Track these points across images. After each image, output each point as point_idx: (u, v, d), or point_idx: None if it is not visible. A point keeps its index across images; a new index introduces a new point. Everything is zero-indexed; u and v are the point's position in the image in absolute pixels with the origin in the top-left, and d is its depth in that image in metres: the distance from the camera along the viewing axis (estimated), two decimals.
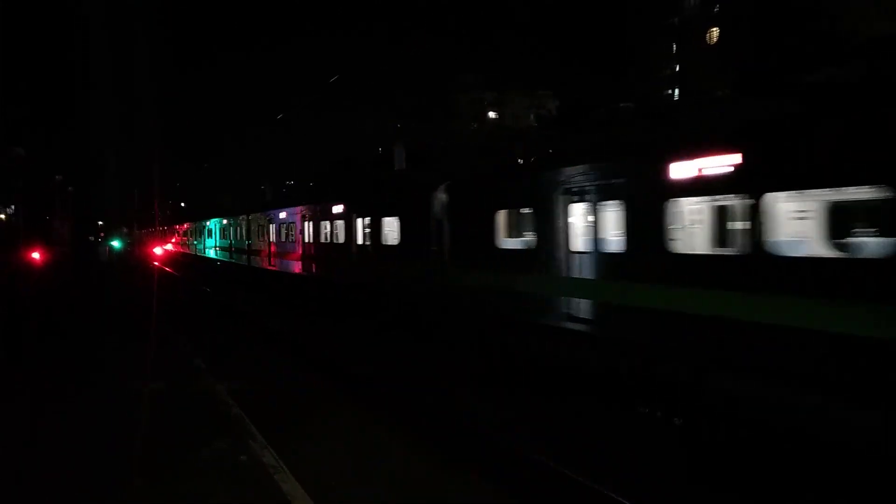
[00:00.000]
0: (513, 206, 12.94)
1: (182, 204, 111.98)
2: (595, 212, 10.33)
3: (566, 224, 10.98)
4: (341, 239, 21.23)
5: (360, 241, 19.53)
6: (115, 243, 61.67)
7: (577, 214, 10.89)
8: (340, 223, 21.36)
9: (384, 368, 13.25)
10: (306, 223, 24.67)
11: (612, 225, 10.42)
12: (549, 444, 8.37)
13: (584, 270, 10.55)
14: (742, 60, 39.42)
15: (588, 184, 10.48)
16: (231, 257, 38.63)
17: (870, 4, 28.79)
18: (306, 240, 24.53)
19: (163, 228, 76.17)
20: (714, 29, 60.96)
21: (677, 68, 65.78)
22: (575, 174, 10.81)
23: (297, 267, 25.92)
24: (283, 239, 27.86)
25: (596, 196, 10.31)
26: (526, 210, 12.45)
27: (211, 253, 45.86)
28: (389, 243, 17.84)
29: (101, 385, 11.15)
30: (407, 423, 9.56)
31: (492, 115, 74.04)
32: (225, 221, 41.62)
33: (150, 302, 21.69)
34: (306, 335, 17.48)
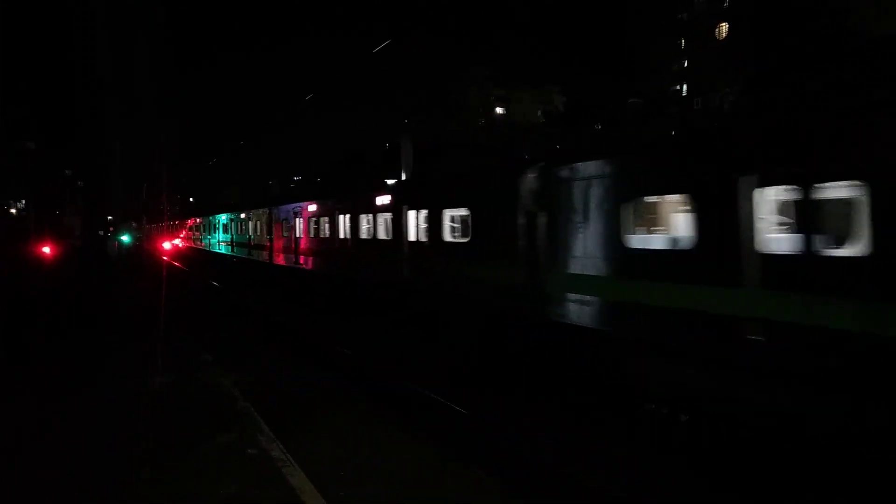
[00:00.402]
0: (653, 192, 9.93)
1: (190, 199, 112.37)
2: (806, 198, 7.25)
3: (750, 216, 7.86)
4: (385, 234, 18.61)
5: (412, 236, 16.87)
6: (124, 238, 62.04)
7: (769, 202, 7.91)
8: (386, 217, 18.72)
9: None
10: (340, 217, 22.10)
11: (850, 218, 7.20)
12: None
13: (788, 280, 7.36)
14: (751, 57, 39.26)
15: (793, 160, 7.41)
16: (250, 253, 36.34)
17: (870, 4, 28.68)
18: (342, 235, 21.82)
19: (171, 223, 76.49)
20: (723, 24, 60.68)
21: (686, 64, 65.51)
22: (772, 145, 7.77)
23: (325, 265, 23.60)
24: (312, 234, 25.37)
25: (809, 176, 7.19)
26: (674, 197, 9.65)
27: (223, 248, 44.82)
28: (454, 240, 15.06)
29: (110, 378, 11.27)
30: (419, 422, 9.62)
31: (499, 110, 74.02)
32: (242, 215, 39.24)
33: (159, 297, 21.82)
34: (330, 338, 16.59)
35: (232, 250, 42.12)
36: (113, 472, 7.11)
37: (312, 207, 25.35)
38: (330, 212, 23.38)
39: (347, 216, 21.65)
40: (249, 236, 37.10)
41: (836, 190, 7.26)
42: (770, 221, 8.02)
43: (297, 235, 27.17)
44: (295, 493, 6.57)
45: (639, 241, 9.95)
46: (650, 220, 10.62)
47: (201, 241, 55.34)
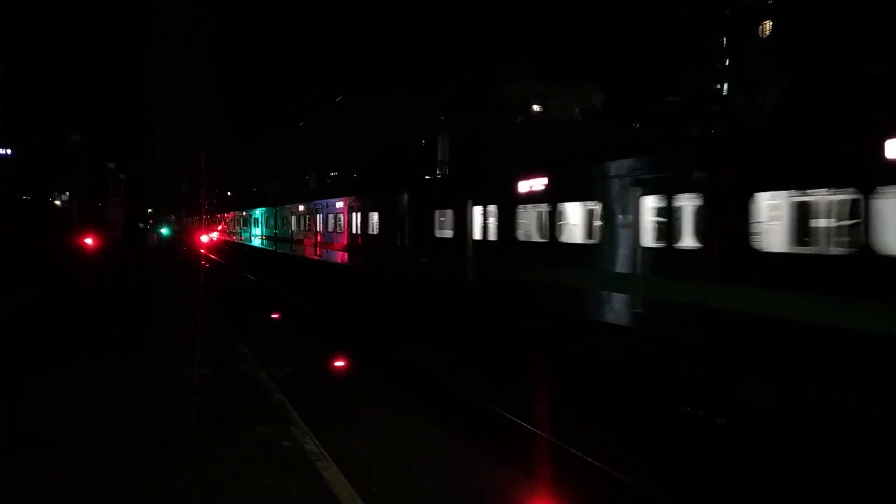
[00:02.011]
0: None
1: (228, 193, 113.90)
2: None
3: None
4: (579, 237, 12.74)
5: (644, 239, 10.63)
6: (164, 230, 63.35)
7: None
8: (582, 210, 12.75)
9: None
10: (484, 209, 15.61)
11: None
12: None
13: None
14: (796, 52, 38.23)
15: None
16: (323, 252, 29.79)
17: None
18: (519, 234, 14.19)
19: (209, 216, 77.70)
20: (767, 22, 59.41)
21: (727, 62, 64.33)
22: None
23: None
24: (439, 228, 18.02)
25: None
26: None
27: (271, 245, 41.85)
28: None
29: (151, 368, 11.42)
30: (450, 416, 9.60)
31: (536, 108, 73.62)
32: (302, 207, 33.24)
33: (197, 290, 22.13)
34: None
35: (274, 246, 39.48)
36: (152, 460, 7.21)
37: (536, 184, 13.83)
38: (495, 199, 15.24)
39: (505, 210, 14.80)
40: (314, 229, 30.70)
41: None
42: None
43: (404, 231, 19.84)
44: (328, 486, 6.58)
45: None
46: None
47: (236, 235, 55.60)
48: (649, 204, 10.52)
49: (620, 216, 11.03)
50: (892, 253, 7.13)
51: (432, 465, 7.63)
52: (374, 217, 22.68)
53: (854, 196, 7.59)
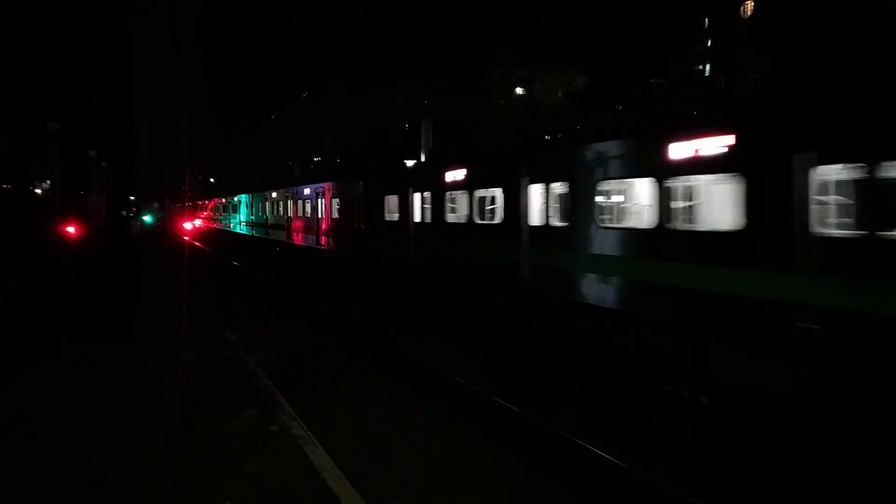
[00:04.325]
0: None
1: (211, 179, 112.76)
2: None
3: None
4: None
5: None
6: (147, 218, 62.88)
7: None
8: None
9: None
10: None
11: None
12: None
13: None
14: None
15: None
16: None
17: None
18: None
19: (194, 203, 76.89)
20: (749, 2, 59.44)
21: (709, 43, 64.38)
22: None
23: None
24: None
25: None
26: None
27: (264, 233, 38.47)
28: None
29: (136, 355, 11.41)
30: (436, 400, 9.67)
31: (519, 91, 73.46)
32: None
33: (181, 278, 21.99)
34: None
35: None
36: (140, 448, 7.23)
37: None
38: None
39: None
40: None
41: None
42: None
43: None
44: (316, 470, 6.64)
45: None
46: None
47: (224, 223, 54.70)
48: None
49: None
50: None
51: (421, 448, 7.68)
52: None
53: None
